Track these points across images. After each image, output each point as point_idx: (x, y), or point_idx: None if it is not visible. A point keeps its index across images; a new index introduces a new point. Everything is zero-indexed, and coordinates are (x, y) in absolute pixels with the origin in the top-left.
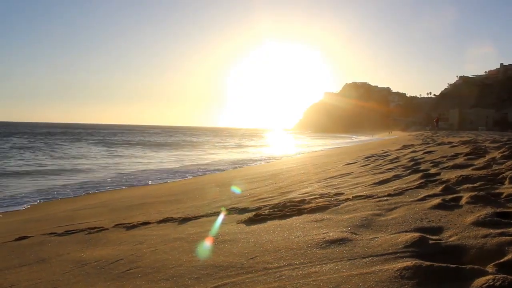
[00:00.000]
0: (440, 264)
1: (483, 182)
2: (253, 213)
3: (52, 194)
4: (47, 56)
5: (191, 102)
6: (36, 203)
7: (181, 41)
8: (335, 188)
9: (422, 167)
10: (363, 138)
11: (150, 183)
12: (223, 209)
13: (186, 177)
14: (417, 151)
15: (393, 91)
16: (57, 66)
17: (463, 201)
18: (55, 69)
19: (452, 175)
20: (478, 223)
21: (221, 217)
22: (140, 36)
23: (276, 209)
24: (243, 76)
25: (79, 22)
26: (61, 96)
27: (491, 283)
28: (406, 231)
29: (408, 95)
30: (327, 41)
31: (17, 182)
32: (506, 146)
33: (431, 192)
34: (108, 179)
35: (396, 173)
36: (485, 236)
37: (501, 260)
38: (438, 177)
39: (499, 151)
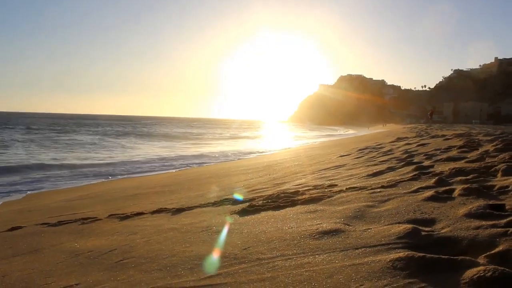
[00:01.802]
0: (432, 255)
1: (476, 174)
2: (247, 204)
3: (45, 185)
4: (40, 46)
5: (185, 93)
6: (29, 193)
7: (176, 32)
8: (329, 180)
9: (416, 159)
10: (351, 132)
11: (144, 174)
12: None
13: (180, 168)
14: (411, 144)
15: (388, 83)
16: (51, 56)
17: (456, 193)
18: (50, 59)
19: (446, 167)
20: (471, 215)
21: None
22: (136, 27)
23: (269, 200)
24: (238, 68)
25: (75, 12)
26: (55, 87)
27: (482, 274)
28: (399, 223)
29: (403, 88)
30: (322, 33)
31: (9, 173)
32: (499, 140)
33: (424, 184)
34: (101, 170)
35: (389, 165)
36: (477, 228)
37: (492, 252)
38: (431, 170)
39: (492, 144)
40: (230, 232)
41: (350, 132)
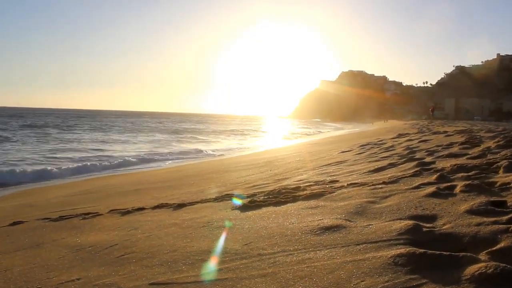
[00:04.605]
0: (433, 251)
1: (477, 171)
2: (248, 199)
3: (44, 180)
4: (26, 40)
5: (181, 87)
6: (30, 188)
7: (170, 23)
8: (330, 176)
9: (417, 155)
10: (352, 127)
11: (144, 169)
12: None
13: (181, 163)
14: (413, 140)
15: (390, 80)
16: (36, 51)
17: (457, 189)
18: (34, 54)
19: (447, 163)
20: (472, 212)
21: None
22: (125, 18)
23: (271, 196)
24: (237, 61)
25: (64, 7)
26: (40, 82)
27: (483, 271)
28: (400, 219)
29: (404, 84)
30: (323, 29)
31: (11, 167)
32: (501, 136)
33: (425, 181)
34: (101, 165)
35: (391, 161)
36: (479, 224)
37: (494, 248)
38: (433, 166)
39: (494, 140)
40: (231, 227)
41: (352, 128)
